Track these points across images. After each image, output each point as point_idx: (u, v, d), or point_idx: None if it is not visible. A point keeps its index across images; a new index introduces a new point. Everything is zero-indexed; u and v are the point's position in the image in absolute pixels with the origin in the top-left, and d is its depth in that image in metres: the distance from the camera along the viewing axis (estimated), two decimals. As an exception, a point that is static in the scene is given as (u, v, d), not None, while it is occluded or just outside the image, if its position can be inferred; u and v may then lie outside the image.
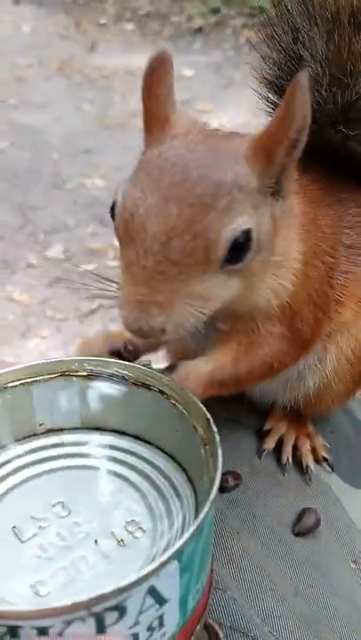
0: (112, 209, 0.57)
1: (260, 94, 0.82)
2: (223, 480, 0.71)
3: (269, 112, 0.83)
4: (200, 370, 0.64)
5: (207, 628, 0.57)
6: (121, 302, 0.55)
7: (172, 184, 0.54)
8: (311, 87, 0.72)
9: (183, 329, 0.55)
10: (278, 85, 0.79)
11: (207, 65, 4.52)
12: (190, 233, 0.53)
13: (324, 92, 0.73)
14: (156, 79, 0.60)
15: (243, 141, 0.58)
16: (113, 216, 0.57)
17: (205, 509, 0.47)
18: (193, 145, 0.57)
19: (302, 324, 0.66)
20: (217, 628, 0.58)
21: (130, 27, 5.42)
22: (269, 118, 0.84)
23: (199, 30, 5.14)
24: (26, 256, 2.93)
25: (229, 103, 3.88)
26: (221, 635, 0.57)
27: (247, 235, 0.55)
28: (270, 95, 0.81)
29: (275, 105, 0.81)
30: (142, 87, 0.60)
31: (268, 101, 0.82)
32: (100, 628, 0.42)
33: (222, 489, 0.71)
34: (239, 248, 0.55)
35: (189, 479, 0.58)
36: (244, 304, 0.62)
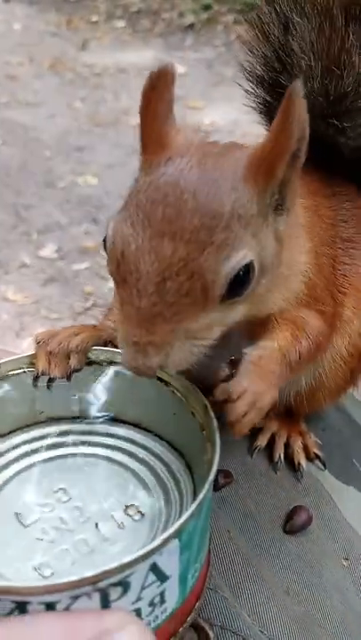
0: (105, 242, 0.54)
1: (249, 91, 0.80)
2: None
3: (259, 109, 0.82)
4: (271, 350, 0.60)
5: (197, 628, 0.57)
6: (119, 341, 0.53)
7: (165, 218, 0.51)
8: (304, 80, 0.71)
9: (185, 363, 0.53)
10: (268, 81, 0.77)
11: (198, 62, 4.51)
12: (186, 273, 0.50)
13: (315, 83, 0.72)
14: (156, 95, 0.56)
15: (241, 158, 0.54)
16: (106, 249, 0.54)
17: (205, 489, 0.49)
18: (188, 169, 0.53)
19: (324, 306, 0.66)
20: (207, 627, 0.57)
21: (121, 24, 5.40)
22: (259, 114, 0.83)
23: (190, 27, 5.13)
24: (19, 255, 2.92)
25: (221, 100, 3.88)
26: (212, 635, 0.57)
27: (248, 267, 0.52)
28: (259, 91, 0.79)
29: (264, 101, 0.80)
30: (141, 103, 0.56)
31: (257, 98, 0.80)
32: (105, 604, 0.44)
33: (213, 487, 0.71)
34: (240, 282, 0.52)
35: (187, 465, 0.59)
36: (254, 315, 0.60)
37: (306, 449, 0.79)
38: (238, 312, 0.55)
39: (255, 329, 0.63)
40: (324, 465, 0.79)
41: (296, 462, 0.77)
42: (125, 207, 0.54)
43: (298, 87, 0.51)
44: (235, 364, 0.60)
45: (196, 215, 0.50)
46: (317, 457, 0.79)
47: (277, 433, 0.79)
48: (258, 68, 0.78)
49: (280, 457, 0.77)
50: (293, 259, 0.61)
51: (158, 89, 0.56)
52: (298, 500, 0.74)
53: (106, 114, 4.00)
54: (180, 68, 4.52)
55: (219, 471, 0.72)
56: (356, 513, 0.76)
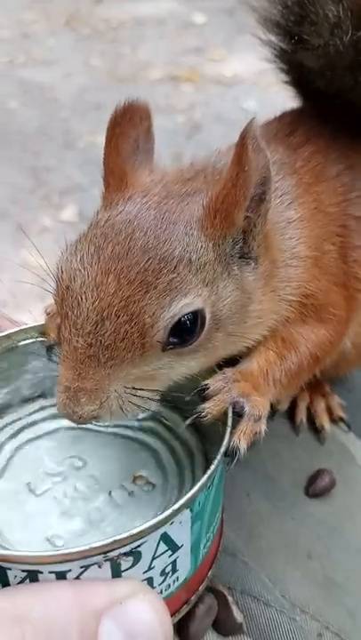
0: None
1: (262, 38, 0.73)
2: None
3: (277, 59, 0.76)
4: (249, 369, 0.58)
5: (216, 592, 0.57)
6: (57, 383, 0.50)
7: (114, 256, 0.49)
8: (330, 30, 0.65)
9: (122, 415, 0.50)
10: (285, 27, 0.70)
11: (219, 10, 4.32)
12: (126, 314, 0.47)
13: (345, 36, 0.65)
14: (119, 132, 0.55)
15: (203, 201, 0.51)
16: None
17: (217, 460, 0.48)
18: (145, 210, 0.51)
19: (335, 309, 0.62)
20: (226, 592, 0.57)
21: (137, -27, 5.20)
22: (277, 65, 0.77)
23: (210, -27, 4.90)
24: (40, 219, 2.90)
25: (243, 50, 3.72)
26: (230, 600, 0.56)
27: (195, 316, 0.49)
28: (274, 39, 0.73)
29: (280, 50, 0.74)
30: (105, 139, 0.55)
31: (271, 46, 0.74)
32: (116, 573, 0.44)
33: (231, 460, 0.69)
34: (185, 331, 0.49)
35: (200, 437, 0.59)
36: (239, 348, 0.57)
37: (329, 411, 0.77)
38: (190, 365, 0.52)
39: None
40: (348, 427, 0.77)
41: (318, 425, 0.75)
42: (79, 240, 0.52)
43: (252, 127, 0.47)
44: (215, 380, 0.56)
45: (144, 255, 0.48)
46: (342, 419, 0.77)
47: (299, 395, 0.77)
48: (275, 12, 0.70)
49: (302, 420, 0.75)
50: (274, 299, 0.57)
51: (122, 126, 0.55)
52: (321, 462, 0.72)
53: (124, 69, 3.88)
54: (199, 18, 4.35)
55: None
56: (381, 475, 0.74)
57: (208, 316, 0.51)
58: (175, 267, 0.49)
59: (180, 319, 0.48)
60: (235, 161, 0.49)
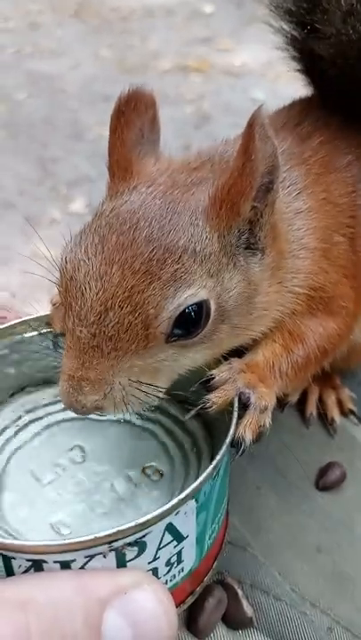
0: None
1: (274, 26, 0.73)
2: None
3: (289, 48, 0.75)
4: (255, 360, 0.57)
5: (226, 585, 0.56)
6: (61, 372, 0.50)
7: (118, 246, 0.48)
8: (342, 18, 0.64)
9: (125, 407, 0.50)
10: (297, 15, 0.69)
11: (227, 0, 4.28)
12: (129, 305, 0.47)
13: (357, 24, 0.64)
14: (124, 121, 0.54)
15: (209, 191, 0.51)
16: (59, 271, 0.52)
17: (222, 451, 0.48)
18: (151, 199, 0.51)
19: (344, 302, 0.61)
20: (236, 586, 0.56)
21: None
22: (289, 54, 0.76)
23: None
24: (49, 211, 2.89)
25: (252, 40, 3.68)
26: (240, 593, 0.56)
27: (200, 307, 0.49)
28: (286, 27, 0.72)
29: (292, 38, 0.73)
30: (109, 128, 0.55)
31: (282, 34, 0.73)
32: (121, 563, 0.44)
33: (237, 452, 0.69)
34: (189, 322, 0.49)
35: (207, 428, 0.58)
36: (244, 340, 0.57)
37: (340, 404, 0.77)
38: (194, 357, 0.52)
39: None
40: (359, 420, 0.76)
41: (329, 418, 0.75)
42: (83, 230, 0.51)
43: (259, 115, 0.47)
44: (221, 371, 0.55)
45: (148, 246, 0.48)
46: (352, 412, 0.76)
47: (309, 388, 0.76)
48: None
49: (312, 413, 0.75)
50: (280, 291, 0.57)
51: (127, 115, 0.55)
52: (331, 456, 0.71)
53: (133, 60, 3.86)
54: (207, 8, 4.31)
55: None
56: (392, 469, 0.73)
57: (213, 308, 0.50)
58: (180, 257, 0.48)
59: (184, 310, 0.48)
60: (241, 150, 0.48)
